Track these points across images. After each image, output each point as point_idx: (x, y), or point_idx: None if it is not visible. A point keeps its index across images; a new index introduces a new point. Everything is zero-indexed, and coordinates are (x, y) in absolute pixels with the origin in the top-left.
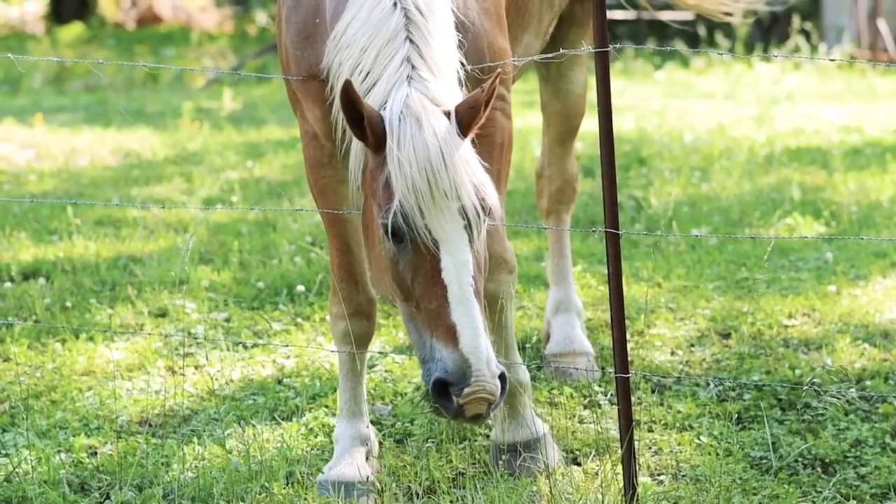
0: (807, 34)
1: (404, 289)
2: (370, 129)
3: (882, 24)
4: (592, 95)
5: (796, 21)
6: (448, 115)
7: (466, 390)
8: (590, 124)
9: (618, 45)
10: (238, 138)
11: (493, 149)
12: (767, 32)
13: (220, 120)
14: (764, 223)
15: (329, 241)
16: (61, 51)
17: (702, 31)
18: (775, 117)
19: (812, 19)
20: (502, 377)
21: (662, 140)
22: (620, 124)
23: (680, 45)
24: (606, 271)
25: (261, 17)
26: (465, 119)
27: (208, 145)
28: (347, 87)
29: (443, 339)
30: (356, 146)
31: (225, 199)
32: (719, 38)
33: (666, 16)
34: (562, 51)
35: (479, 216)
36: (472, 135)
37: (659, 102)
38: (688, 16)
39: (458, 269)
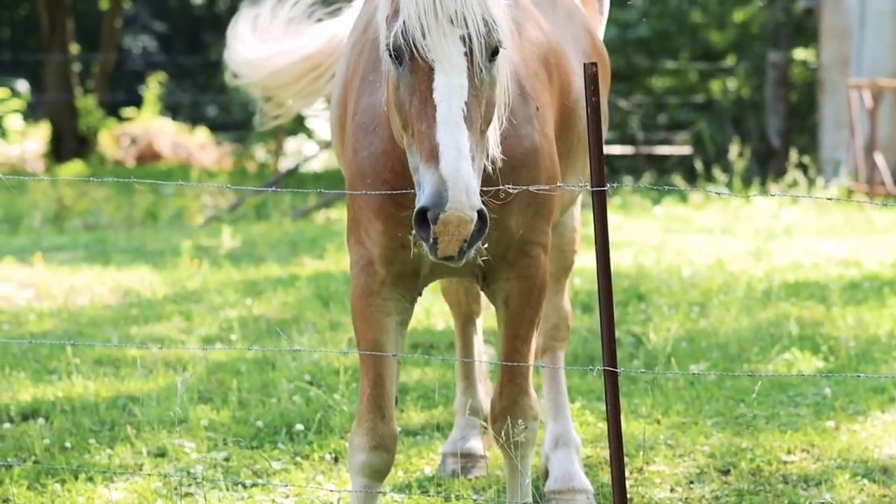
0: (804, 168)
1: (403, 114)
2: None
3: (879, 158)
4: (589, 230)
5: (794, 155)
6: None
7: (441, 216)
8: (588, 259)
9: (615, 185)
10: (237, 276)
11: (531, 293)
12: (765, 166)
13: (219, 258)
14: (762, 358)
15: (362, 371)
16: (61, 189)
17: (699, 165)
18: (773, 252)
19: (809, 153)
20: (482, 215)
21: (661, 275)
22: (619, 260)
23: (678, 180)
24: (605, 408)
25: (260, 154)
26: None
27: (207, 283)
28: None
29: (426, 159)
30: None
31: (224, 337)
32: (717, 172)
33: (663, 150)
34: (559, 184)
35: (482, 47)
36: None
37: (657, 237)
38: (685, 150)
39: (451, 90)
